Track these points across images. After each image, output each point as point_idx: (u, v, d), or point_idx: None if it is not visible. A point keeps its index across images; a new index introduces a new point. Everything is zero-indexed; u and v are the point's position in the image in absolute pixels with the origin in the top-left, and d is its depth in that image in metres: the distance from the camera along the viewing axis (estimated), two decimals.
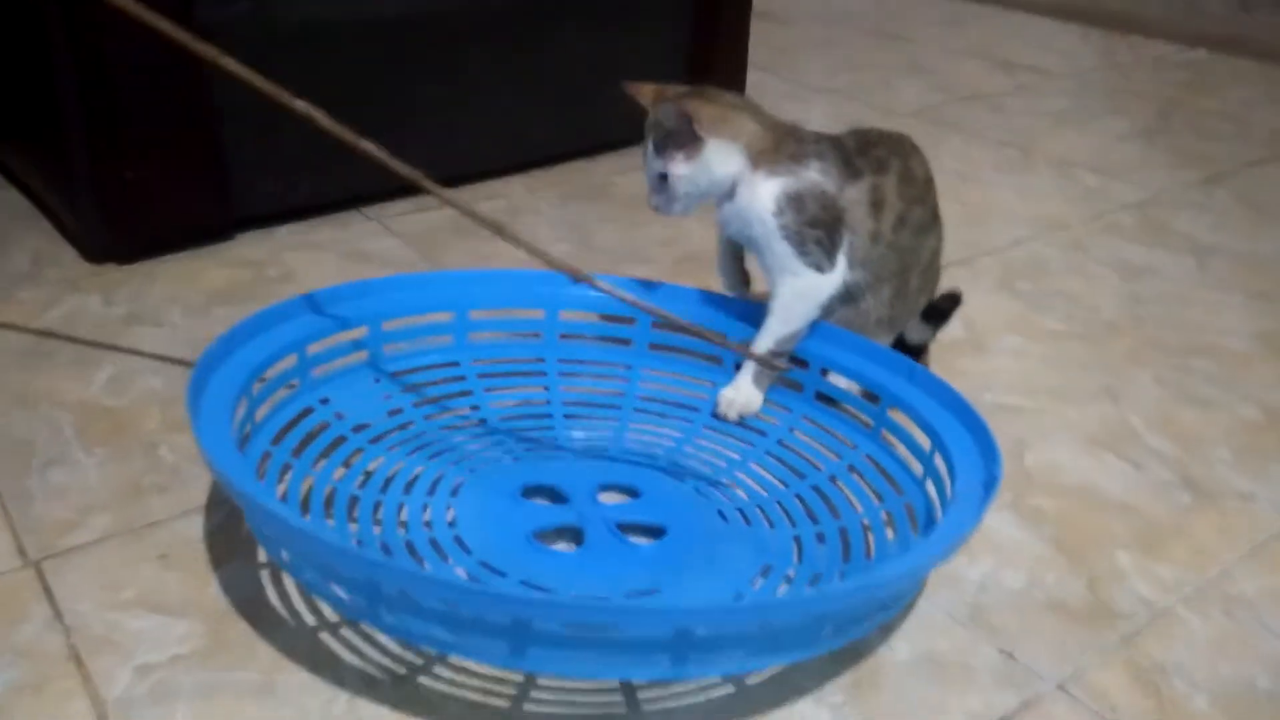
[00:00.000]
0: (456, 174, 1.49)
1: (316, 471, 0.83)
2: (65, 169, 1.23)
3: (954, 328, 1.19)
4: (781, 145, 0.93)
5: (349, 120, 1.36)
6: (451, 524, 0.81)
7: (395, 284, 0.97)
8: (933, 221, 0.99)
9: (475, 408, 0.96)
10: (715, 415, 0.96)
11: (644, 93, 0.96)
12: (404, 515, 0.81)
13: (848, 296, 0.96)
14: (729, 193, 0.94)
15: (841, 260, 0.93)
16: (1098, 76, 2.40)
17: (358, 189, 1.41)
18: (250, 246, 1.31)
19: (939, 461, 0.80)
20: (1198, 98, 2.24)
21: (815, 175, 0.92)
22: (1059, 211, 1.57)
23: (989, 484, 0.72)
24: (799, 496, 0.89)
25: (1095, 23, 2.84)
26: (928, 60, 2.40)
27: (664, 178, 0.93)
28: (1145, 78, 2.38)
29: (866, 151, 0.94)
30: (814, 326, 0.96)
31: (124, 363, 1.06)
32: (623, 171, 1.62)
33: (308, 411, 0.88)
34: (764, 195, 0.92)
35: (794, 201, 0.91)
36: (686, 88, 0.95)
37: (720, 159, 0.92)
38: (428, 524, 0.80)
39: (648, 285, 1.02)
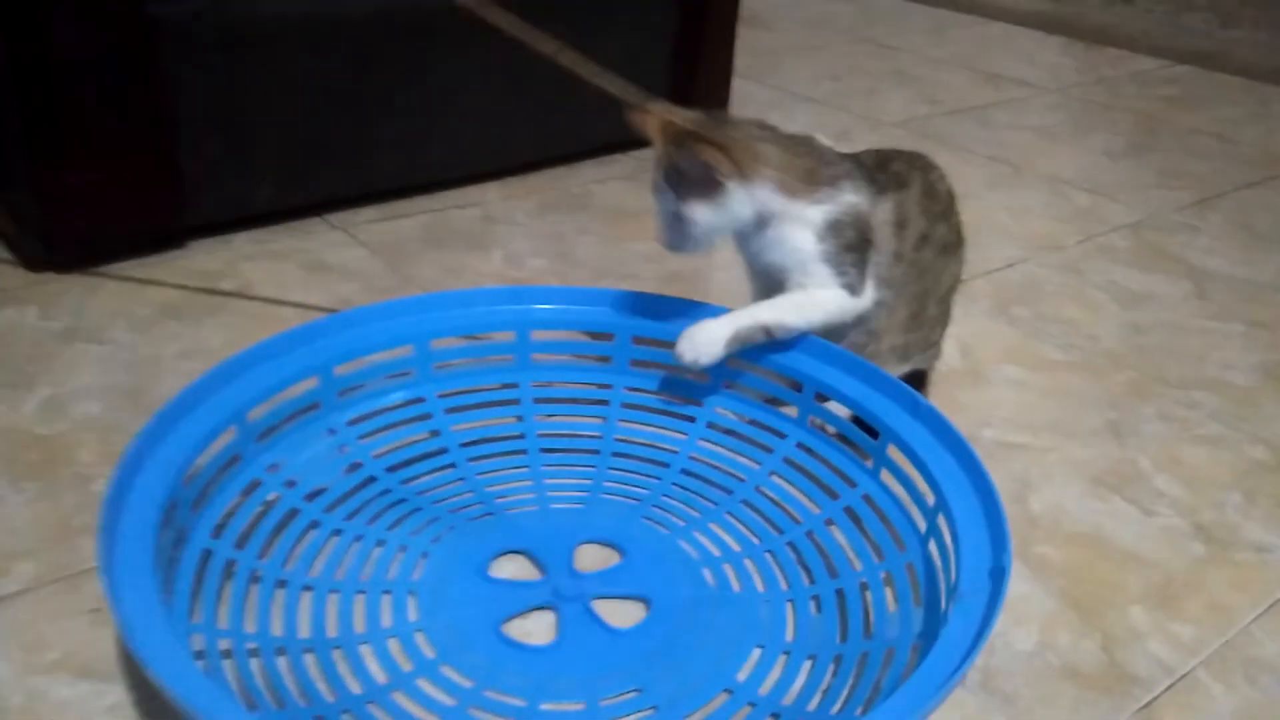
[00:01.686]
0: (427, 181, 1.42)
1: (264, 563, 0.74)
2: (1, 170, 1.15)
3: (951, 356, 1.13)
4: (812, 172, 0.87)
5: (312, 124, 1.30)
6: (414, 620, 0.73)
7: (346, 321, 0.88)
8: (957, 243, 0.93)
9: (443, 450, 0.89)
10: (674, 355, 0.87)
11: (650, 124, 0.88)
12: (362, 617, 0.73)
13: (860, 318, 0.91)
14: (758, 225, 0.88)
15: (870, 284, 0.89)
16: (1084, 91, 2.36)
17: (323, 194, 1.33)
18: (204, 256, 1.23)
19: (942, 522, 0.74)
20: (1184, 114, 2.20)
21: (851, 197, 0.87)
22: (1052, 231, 1.52)
23: (997, 575, 0.65)
24: (792, 545, 0.82)
25: (1077, 35, 2.81)
26: (913, 69, 2.35)
27: (679, 216, 0.86)
28: (1131, 93, 2.34)
29: (885, 167, 0.90)
30: (814, 345, 0.89)
31: (60, 384, 0.97)
32: (604, 180, 1.55)
33: (254, 485, 0.79)
34: (807, 224, 0.86)
35: (834, 227, 0.86)
36: (697, 118, 0.87)
37: (745, 199, 0.85)
38: (388, 625, 0.73)
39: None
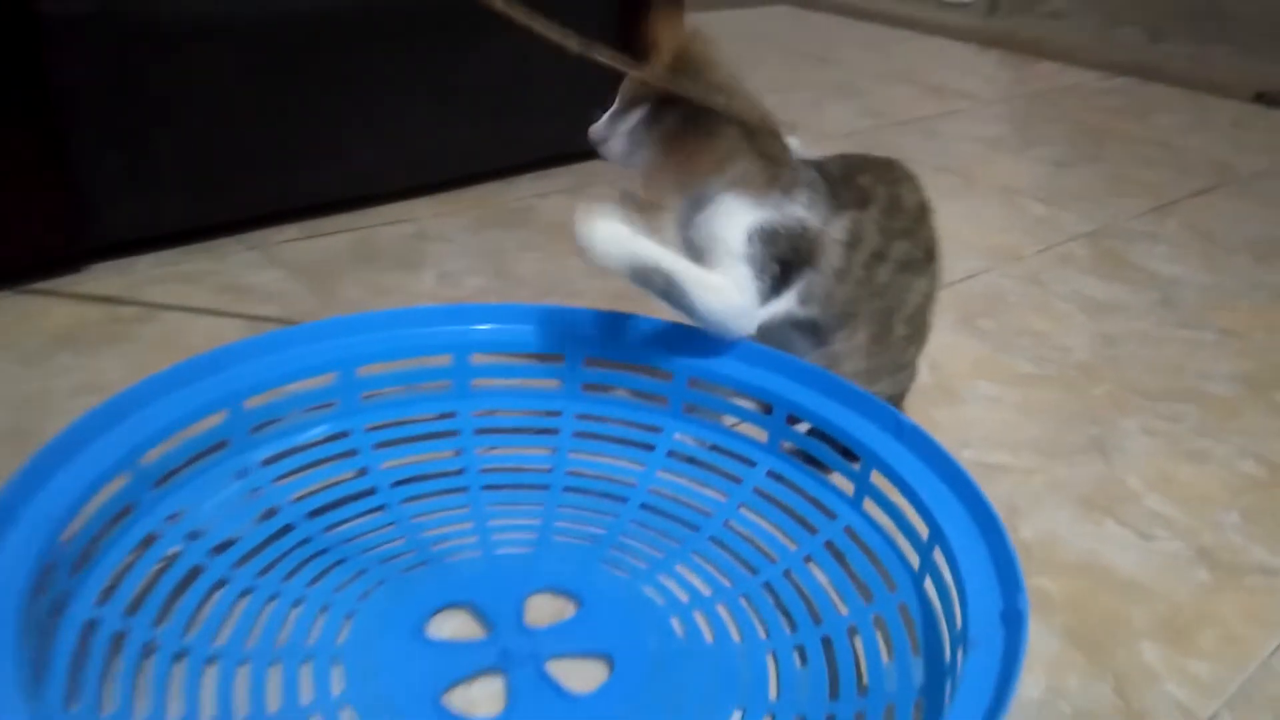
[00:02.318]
0: (356, 195, 1.32)
1: (160, 631, 0.63)
2: None
3: (920, 373, 1.06)
4: (777, 179, 0.81)
5: (233, 135, 1.19)
6: (339, 693, 0.62)
7: (259, 346, 0.78)
8: (925, 259, 0.86)
9: (372, 490, 0.79)
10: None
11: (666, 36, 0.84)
12: (277, 692, 0.62)
13: (813, 333, 0.84)
14: (695, 200, 0.81)
15: (790, 297, 0.82)
16: (1026, 103, 2.33)
17: (238, 212, 1.22)
18: (105, 279, 1.11)
19: (939, 557, 0.66)
20: (1128, 124, 2.19)
21: (801, 211, 0.80)
22: (1011, 241, 1.47)
23: (1012, 620, 0.57)
24: (769, 587, 0.74)
25: (1011, 49, 2.81)
26: (855, 83, 2.31)
27: (636, 137, 0.82)
28: (1074, 104, 2.32)
29: (850, 180, 0.82)
30: (781, 361, 0.81)
31: None
32: (545, 194, 1.46)
33: (150, 540, 0.68)
34: (738, 222, 0.80)
35: (769, 236, 0.79)
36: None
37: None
38: (308, 701, 0.62)
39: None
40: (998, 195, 1.65)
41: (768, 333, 0.84)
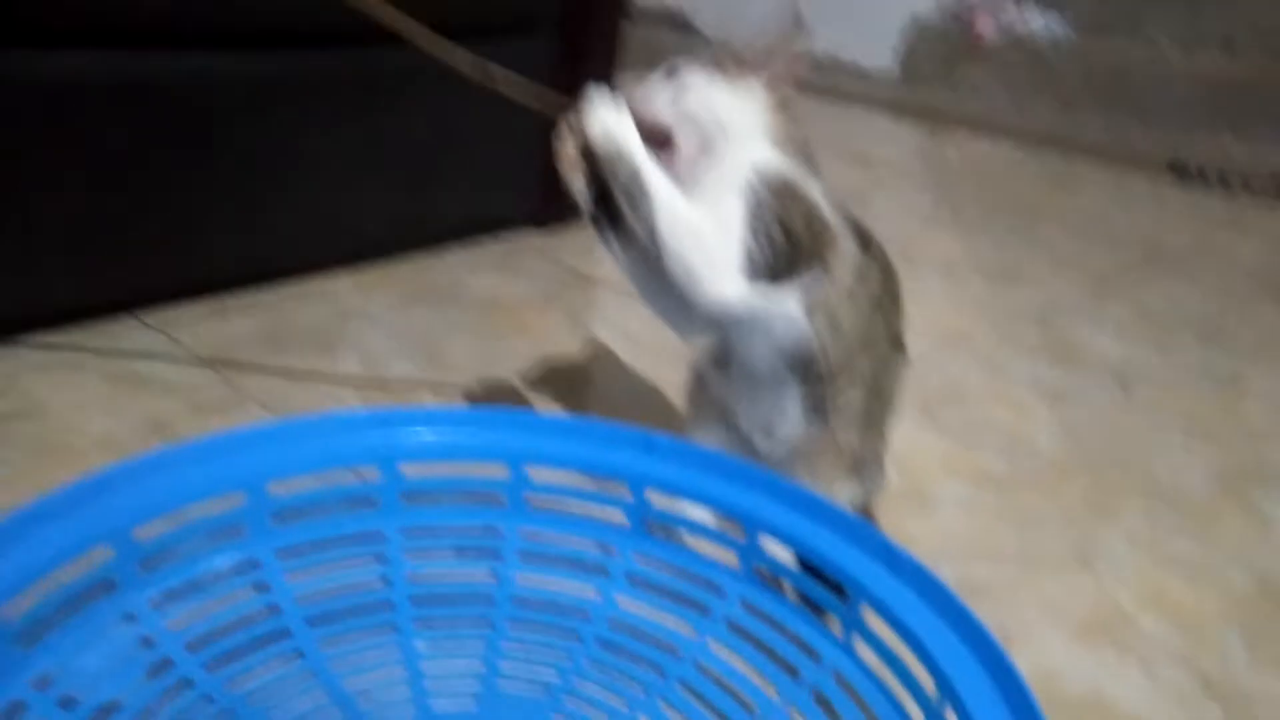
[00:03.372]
0: (268, 269, 1.21)
1: None
2: None
3: (888, 471, 0.99)
4: (804, 152, 0.75)
5: (128, 204, 1.06)
6: None
7: (150, 467, 0.65)
8: (901, 344, 0.79)
9: (285, 632, 0.67)
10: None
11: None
12: None
13: (809, 377, 0.75)
14: (714, 145, 0.74)
15: (795, 300, 0.72)
16: (950, 174, 2.33)
17: (135, 288, 1.09)
18: None
19: (950, 717, 0.57)
20: (1055, 197, 2.19)
21: (818, 195, 0.73)
22: (960, 323, 1.42)
23: None
24: None
25: (925, 118, 2.82)
26: None
27: (675, 73, 0.77)
28: (997, 176, 2.32)
29: (854, 224, 0.76)
30: (753, 475, 0.72)
31: None
32: (474, 269, 1.36)
33: (15, 709, 0.55)
34: (761, 155, 0.72)
35: (784, 190, 0.71)
36: None
37: (745, 103, 0.75)
38: None
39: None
40: (939, 273, 1.61)
41: (757, 362, 0.75)
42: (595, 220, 0.77)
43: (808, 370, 0.75)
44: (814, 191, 0.73)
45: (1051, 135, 2.68)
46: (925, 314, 1.42)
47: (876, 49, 3.09)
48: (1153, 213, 2.16)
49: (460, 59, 0.80)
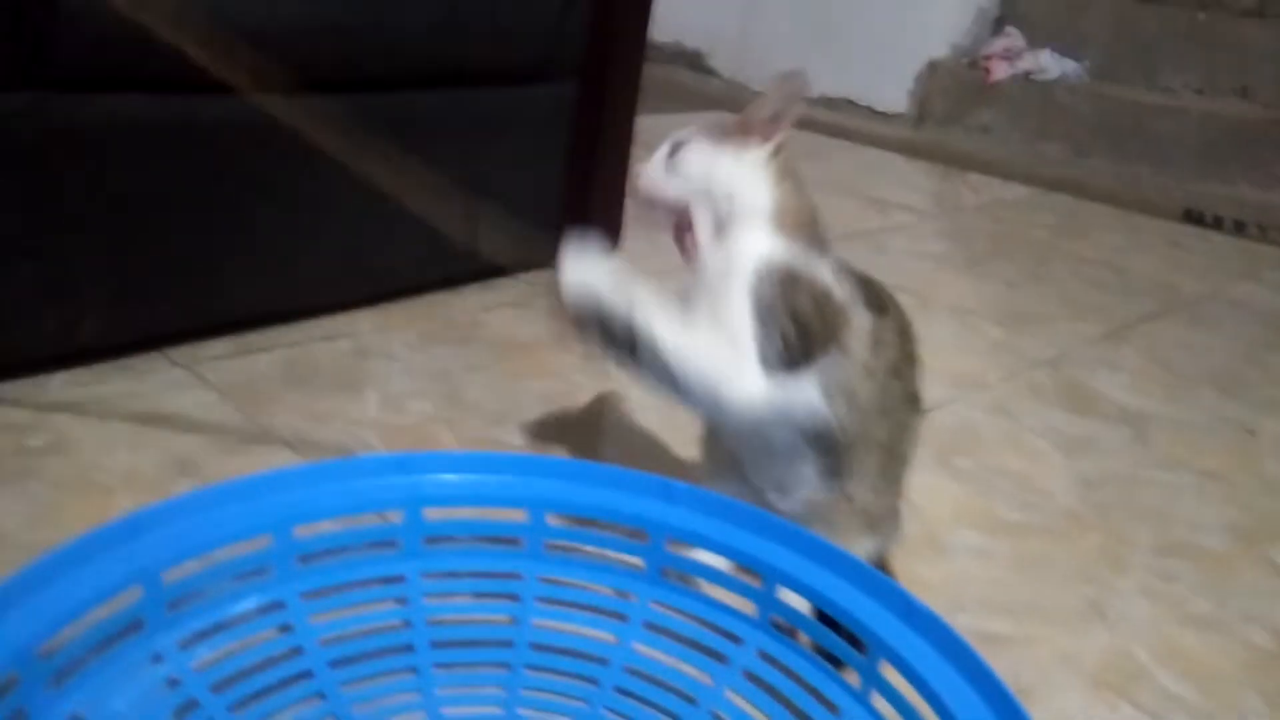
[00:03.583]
0: (290, 308, 1.22)
1: None
2: None
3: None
4: (811, 230, 0.76)
5: (150, 244, 1.08)
6: None
7: (179, 509, 0.67)
8: (919, 400, 0.80)
9: (308, 674, 0.68)
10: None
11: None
12: None
13: (827, 450, 0.75)
14: (724, 223, 0.74)
15: (814, 387, 0.72)
16: (964, 217, 2.34)
17: (162, 326, 1.11)
18: (8, 403, 0.98)
19: None
20: (1069, 243, 2.20)
21: (827, 275, 0.73)
22: (973, 369, 1.42)
23: None
24: None
25: (937, 160, 2.84)
26: None
27: (678, 151, 0.77)
28: (1011, 220, 2.33)
29: (868, 288, 0.76)
30: (772, 525, 0.73)
31: None
32: (491, 307, 1.38)
33: None
34: (763, 248, 0.72)
35: (789, 280, 0.71)
36: None
37: (747, 173, 0.75)
38: None
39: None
40: (953, 317, 1.62)
41: (774, 439, 0.75)
42: (614, 360, 0.76)
43: (824, 443, 0.75)
44: (823, 272, 0.73)
45: (1065, 179, 2.70)
46: (938, 359, 1.43)
47: (891, 91, 3.12)
48: (1167, 258, 2.16)
49: None
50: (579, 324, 0.74)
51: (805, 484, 0.77)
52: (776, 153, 0.77)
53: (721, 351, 0.71)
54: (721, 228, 0.75)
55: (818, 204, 0.80)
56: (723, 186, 0.75)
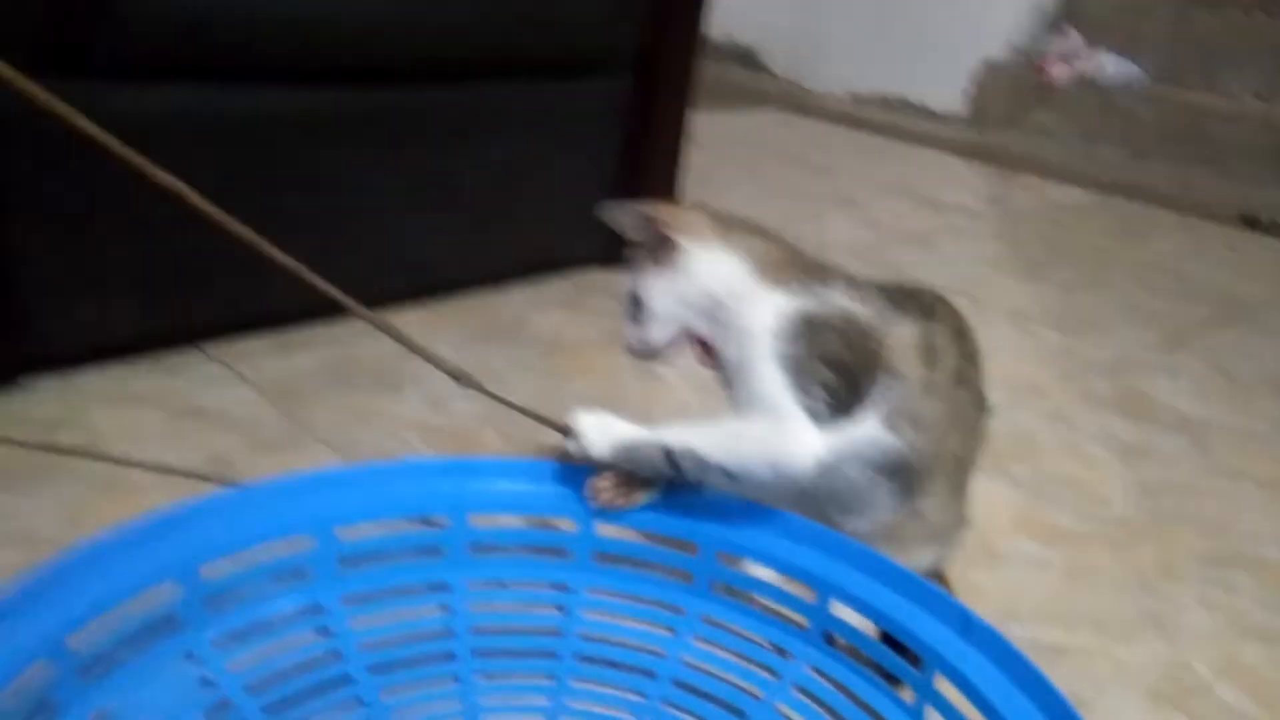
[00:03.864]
0: (329, 306, 1.20)
1: None
2: None
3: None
4: (793, 264, 0.71)
5: (195, 237, 1.06)
6: None
7: (220, 506, 0.66)
8: (984, 402, 0.77)
9: (346, 679, 0.66)
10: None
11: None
12: None
13: (902, 479, 0.70)
14: (720, 315, 0.71)
15: (871, 419, 0.68)
16: (1020, 220, 2.29)
17: (199, 321, 1.11)
18: (44, 399, 0.98)
19: None
20: (1128, 248, 2.14)
21: (844, 301, 0.69)
22: (1031, 374, 1.38)
23: None
24: None
25: (992, 161, 2.79)
26: (853, 193, 2.25)
27: (637, 301, 0.72)
28: (1067, 223, 2.28)
29: (903, 291, 0.73)
30: (826, 538, 0.70)
31: None
32: (539, 306, 1.36)
33: None
34: (768, 311, 0.68)
35: (809, 328, 0.67)
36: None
37: (708, 269, 0.71)
38: None
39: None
40: (1009, 321, 1.58)
41: (839, 481, 0.71)
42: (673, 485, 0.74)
43: (896, 471, 0.72)
44: (836, 300, 0.69)
45: (1122, 182, 2.64)
46: (995, 364, 1.38)
47: (947, 91, 3.08)
48: (1226, 264, 2.10)
49: (444, 365, 0.81)
50: (622, 475, 0.73)
51: (876, 510, 0.73)
52: (703, 231, 0.72)
53: (763, 429, 0.68)
54: (721, 323, 0.72)
55: (787, 236, 0.76)
56: (694, 297, 0.71)
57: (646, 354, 0.74)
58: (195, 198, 0.76)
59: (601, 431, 0.71)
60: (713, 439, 0.69)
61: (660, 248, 0.71)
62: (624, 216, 0.72)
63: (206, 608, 0.64)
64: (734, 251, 0.71)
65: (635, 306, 0.73)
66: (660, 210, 0.72)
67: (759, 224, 0.75)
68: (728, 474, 0.69)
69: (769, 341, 0.68)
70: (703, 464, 0.69)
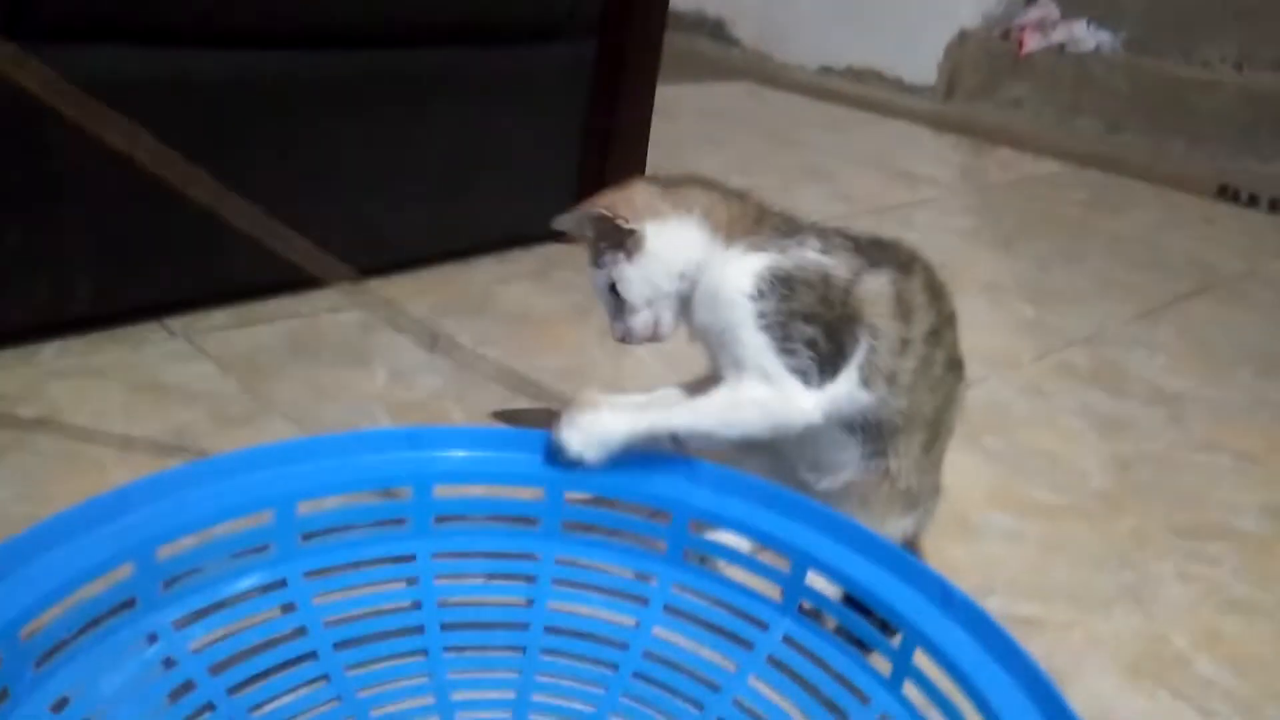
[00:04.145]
0: (293, 278, 1.18)
1: None
2: None
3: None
4: (761, 217, 0.71)
5: (145, 208, 1.02)
6: None
7: (174, 482, 0.63)
8: (960, 361, 0.76)
9: (311, 655, 0.65)
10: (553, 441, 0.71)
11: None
12: None
13: (869, 435, 0.71)
14: (692, 285, 0.71)
15: (852, 375, 0.69)
16: (998, 193, 2.28)
17: (159, 294, 1.07)
18: (1, 373, 0.95)
19: None
20: (1103, 219, 2.14)
21: (813, 254, 0.68)
22: (1006, 346, 1.38)
23: None
24: None
25: (966, 133, 2.77)
26: (823, 165, 2.23)
27: (615, 291, 0.72)
28: (1042, 195, 2.27)
29: (885, 247, 0.71)
30: (801, 506, 0.69)
31: None
32: (506, 279, 1.34)
33: None
34: (737, 272, 0.68)
35: (781, 283, 0.67)
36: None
37: (672, 242, 0.70)
38: None
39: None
40: (984, 294, 1.57)
41: (818, 433, 0.71)
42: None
43: (868, 428, 0.71)
44: (806, 253, 0.68)
45: (1097, 154, 2.63)
46: (969, 337, 1.37)
47: (920, 63, 3.06)
48: (1203, 236, 2.10)
49: (415, 328, 0.79)
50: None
51: (847, 468, 0.73)
52: (653, 205, 0.71)
53: (759, 395, 0.68)
54: (697, 291, 0.71)
55: (745, 188, 0.75)
56: (664, 275, 0.71)
57: (640, 340, 0.73)
58: (151, 141, 0.73)
59: (603, 438, 0.69)
60: (713, 417, 0.69)
61: (621, 239, 0.70)
62: (575, 223, 0.73)
63: (166, 588, 0.62)
64: (689, 217, 0.70)
65: (614, 299, 0.73)
66: (604, 201, 0.71)
67: (701, 176, 0.74)
68: (731, 441, 0.70)
69: (745, 305, 0.68)
70: (706, 438, 0.70)
